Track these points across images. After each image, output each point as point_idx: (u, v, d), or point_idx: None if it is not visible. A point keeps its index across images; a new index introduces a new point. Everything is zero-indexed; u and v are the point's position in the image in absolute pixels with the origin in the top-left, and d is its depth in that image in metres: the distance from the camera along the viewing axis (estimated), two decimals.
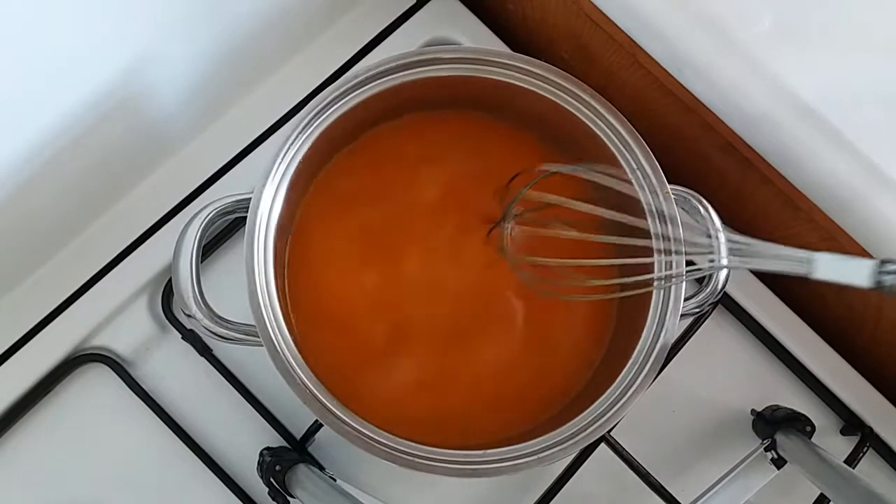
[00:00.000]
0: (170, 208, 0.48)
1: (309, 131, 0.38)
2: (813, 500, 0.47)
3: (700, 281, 0.41)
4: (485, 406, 0.41)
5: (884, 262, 0.26)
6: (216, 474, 0.45)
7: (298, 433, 0.46)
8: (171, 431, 0.45)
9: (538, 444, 0.36)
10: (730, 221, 0.40)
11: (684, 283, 0.38)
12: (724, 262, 0.34)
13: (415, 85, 0.39)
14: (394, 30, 0.51)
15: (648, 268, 0.38)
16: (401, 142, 0.42)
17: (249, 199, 0.37)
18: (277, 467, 0.42)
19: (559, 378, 0.41)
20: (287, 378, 0.35)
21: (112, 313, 0.46)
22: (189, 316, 0.36)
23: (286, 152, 0.38)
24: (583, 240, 0.38)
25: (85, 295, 0.46)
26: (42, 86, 0.37)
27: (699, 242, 0.35)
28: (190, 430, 0.45)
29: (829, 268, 0.27)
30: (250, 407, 0.46)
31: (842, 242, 0.44)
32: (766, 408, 0.48)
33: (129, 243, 0.47)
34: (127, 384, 0.45)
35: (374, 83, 0.39)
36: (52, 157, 0.40)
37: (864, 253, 0.43)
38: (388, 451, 0.35)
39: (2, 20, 0.32)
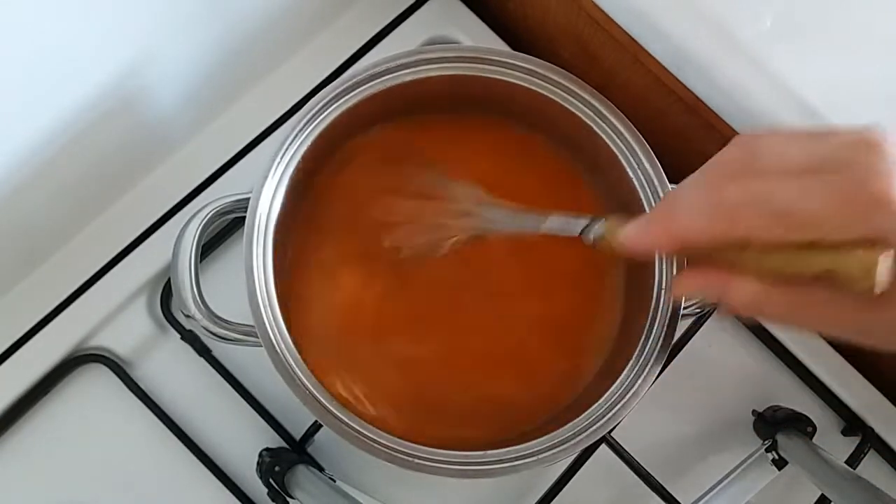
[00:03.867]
0: (169, 208, 0.48)
1: (308, 131, 0.38)
2: (814, 501, 0.47)
3: None
4: (485, 407, 0.41)
5: (594, 219, 0.32)
6: (215, 475, 0.45)
7: (298, 434, 0.46)
8: (170, 432, 0.45)
9: (539, 445, 0.36)
10: None
11: None
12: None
13: (415, 84, 0.39)
14: (393, 28, 0.51)
15: None
16: (400, 141, 0.42)
17: (248, 198, 0.37)
18: (277, 468, 0.42)
19: (560, 379, 0.41)
20: (286, 378, 0.35)
21: (111, 313, 0.46)
22: (188, 316, 0.36)
23: (285, 152, 0.38)
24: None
25: (84, 295, 0.46)
26: (40, 85, 0.37)
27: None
28: (189, 431, 0.45)
29: (555, 224, 0.33)
30: (249, 407, 0.46)
31: None
32: (767, 408, 0.48)
33: (127, 243, 0.47)
34: (126, 384, 0.45)
35: (374, 82, 0.39)
36: (50, 157, 0.40)
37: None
38: (388, 451, 0.35)
39: (1, 19, 0.32)
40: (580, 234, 0.32)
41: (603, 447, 0.46)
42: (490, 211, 0.36)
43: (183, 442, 0.45)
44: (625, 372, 0.37)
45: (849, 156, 0.25)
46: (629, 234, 0.30)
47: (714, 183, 0.27)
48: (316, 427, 0.45)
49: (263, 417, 0.45)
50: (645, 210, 0.39)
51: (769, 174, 0.26)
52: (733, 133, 0.43)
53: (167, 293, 0.47)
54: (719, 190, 0.26)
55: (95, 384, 0.46)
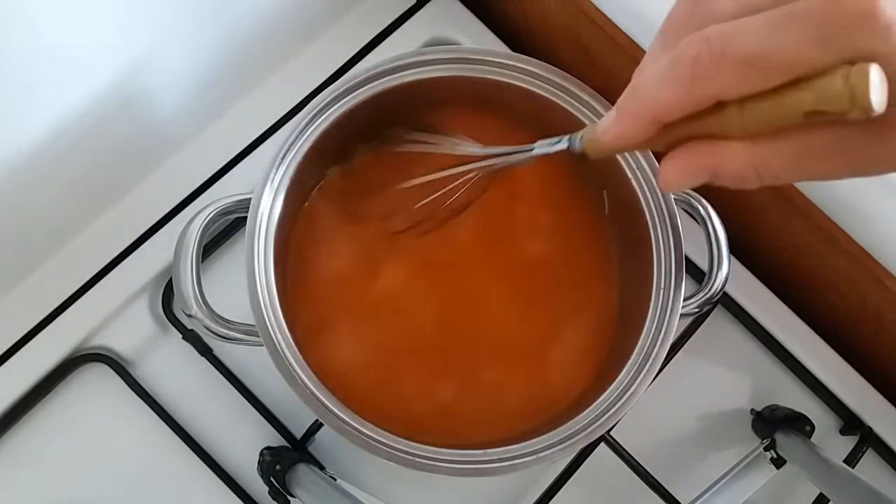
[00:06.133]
0: (170, 208, 0.48)
1: (309, 131, 0.38)
2: (812, 500, 0.47)
3: (700, 281, 0.41)
4: (485, 406, 0.41)
5: (574, 132, 0.31)
6: (216, 474, 0.45)
7: (299, 433, 0.46)
8: (171, 431, 0.45)
9: (538, 444, 0.36)
10: (730, 222, 0.40)
11: (684, 283, 0.38)
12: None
13: (415, 85, 0.39)
14: (394, 30, 0.52)
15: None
16: (401, 142, 0.42)
17: (250, 199, 0.37)
18: (278, 467, 0.42)
19: (559, 378, 0.41)
20: (287, 377, 0.35)
21: (113, 313, 0.47)
22: (190, 316, 0.36)
23: (286, 152, 0.38)
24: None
25: (86, 295, 0.46)
26: (43, 86, 0.37)
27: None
28: (190, 430, 0.45)
29: (542, 147, 0.34)
30: (251, 406, 0.46)
31: (841, 242, 0.44)
32: (766, 407, 0.48)
33: (129, 243, 0.48)
34: (127, 384, 0.46)
35: (374, 83, 0.39)
36: (52, 157, 0.40)
37: (862, 253, 0.44)
38: (389, 450, 0.35)
39: (3, 20, 0.32)
40: (567, 147, 0.32)
41: (602, 446, 0.46)
42: (486, 151, 0.37)
43: (184, 441, 0.45)
44: (623, 371, 0.37)
45: None
46: (604, 128, 0.27)
47: (670, 46, 0.24)
48: (317, 426, 0.45)
49: (264, 416, 0.46)
50: (644, 209, 0.39)
51: (725, 18, 0.23)
52: None
53: (169, 293, 0.47)
54: (678, 53, 0.23)
55: (97, 383, 0.46)
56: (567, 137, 0.32)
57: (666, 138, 0.25)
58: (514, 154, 0.35)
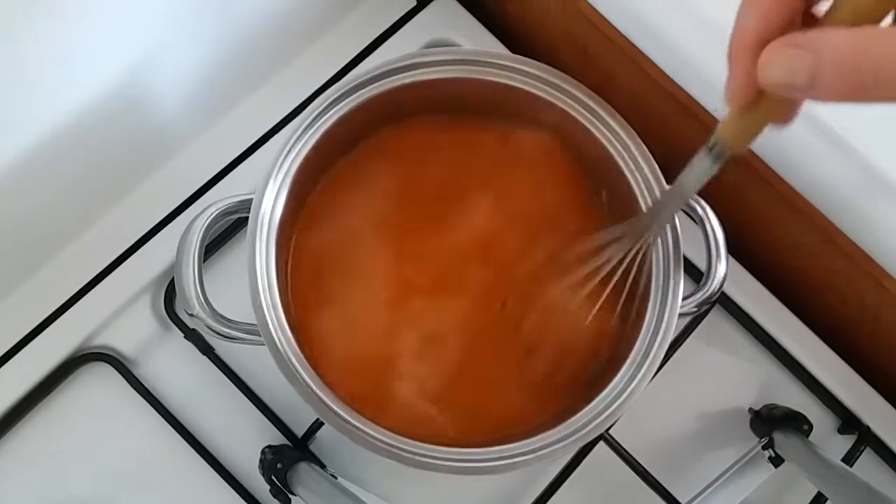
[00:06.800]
0: (173, 208, 0.48)
1: (311, 132, 0.38)
2: (810, 499, 0.47)
3: (698, 280, 0.41)
4: (486, 405, 0.41)
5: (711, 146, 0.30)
6: (218, 472, 0.45)
7: (300, 431, 0.46)
8: (173, 430, 0.45)
9: (537, 443, 0.36)
10: (728, 223, 0.40)
11: (682, 283, 0.38)
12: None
13: (415, 87, 0.39)
14: (394, 32, 0.52)
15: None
16: (402, 143, 0.43)
17: (252, 199, 0.37)
18: (279, 465, 0.43)
19: (559, 378, 0.41)
20: (289, 376, 0.35)
21: (115, 312, 0.47)
22: (191, 315, 0.37)
23: (288, 153, 0.38)
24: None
25: (88, 294, 0.47)
26: (46, 87, 0.37)
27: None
28: (192, 429, 0.46)
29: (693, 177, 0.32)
30: (252, 405, 0.46)
31: (840, 243, 0.44)
32: (764, 406, 0.48)
33: (132, 243, 0.48)
34: (129, 383, 0.46)
35: (375, 85, 0.39)
36: (55, 157, 0.40)
37: (861, 253, 0.44)
38: (389, 449, 0.35)
39: (4, 20, 0.32)
40: (711, 155, 0.30)
41: (601, 445, 0.46)
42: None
43: (186, 440, 0.45)
44: (622, 370, 0.37)
45: None
46: (726, 92, 0.25)
47: None
48: (318, 425, 0.46)
49: (266, 415, 0.46)
50: (643, 209, 0.39)
51: None
52: None
53: (171, 292, 0.47)
54: None
55: (99, 383, 0.46)
56: (701, 153, 0.30)
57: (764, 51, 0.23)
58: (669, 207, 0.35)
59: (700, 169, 0.31)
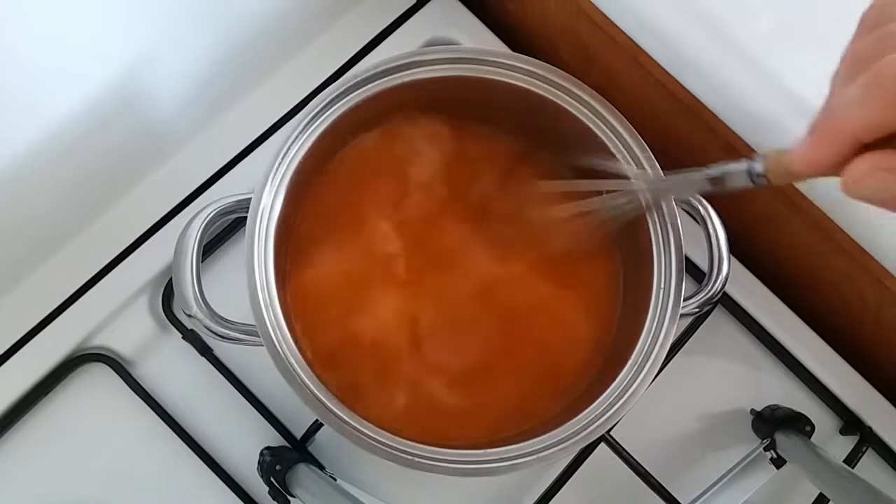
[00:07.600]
0: (171, 208, 0.48)
1: (309, 131, 0.38)
2: (812, 500, 0.47)
3: (700, 281, 0.41)
4: (485, 405, 0.41)
5: (750, 159, 0.30)
6: (216, 474, 0.45)
7: (299, 433, 0.46)
8: (171, 431, 0.45)
9: (538, 444, 0.36)
10: (730, 222, 0.40)
11: (684, 284, 0.38)
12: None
13: (415, 85, 0.39)
14: (394, 30, 0.52)
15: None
16: (401, 142, 0.43)
17: (250, 199, 0.37)
18: (278, 467, 0.43)
19: (559, 378, 0.41)
20: (287, 377, 0.35)
21: (113, 313, 0.47)
22: (190, 315, 0.36)
23: (286, 152, 0.38)
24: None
25: (86, 294, 0.47)
26: (44, 86, 0.37)
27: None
28: (190, 430, 0.46)
29: (715, 172, 0.32)
30: (251, 406, 0.46)
31: (840, 242, 0.44)
32: (766, 407, 0.48)
33: (129, 243, 0.48)
34: (127, 384, 0.46)
35: (374, 83, 0.39)
36: (53, 157, 0.40)
37: (862, 253, 0.44)
38: (389, 450, 0.35)
39: (4, 20, 0.32)
40: (750, 179, 0.30)
41: (602, 446, 0.46)
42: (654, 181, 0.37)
43: (184, 441, 0.45)
44: (624, 371, 0.37)
45: None
46: (801, 155, 0.26)
47: (862, 65, 0.24)
48: (317, 426, 0.45)
49: (264, 416, 0.46)
50: (644, 210, 0.39)
51: None
52: (732, 134, 0.43)
53: (169, 293, 0.47)
54: (877, 72, 0.23)
55: (97, 383, 0.46)
56: (744, 169, 0.30)
57: (858, 154, 0.25)
58: (685, 186, 0.36)
59: (729, 181, 0.31)
